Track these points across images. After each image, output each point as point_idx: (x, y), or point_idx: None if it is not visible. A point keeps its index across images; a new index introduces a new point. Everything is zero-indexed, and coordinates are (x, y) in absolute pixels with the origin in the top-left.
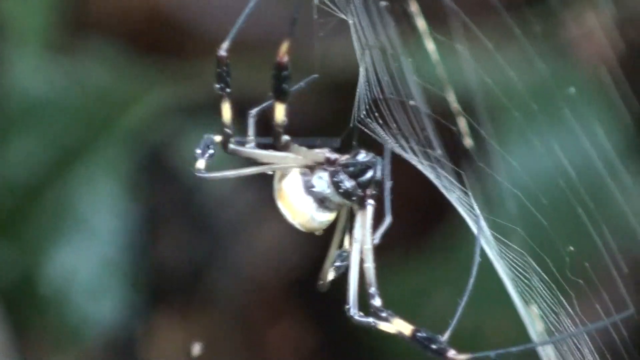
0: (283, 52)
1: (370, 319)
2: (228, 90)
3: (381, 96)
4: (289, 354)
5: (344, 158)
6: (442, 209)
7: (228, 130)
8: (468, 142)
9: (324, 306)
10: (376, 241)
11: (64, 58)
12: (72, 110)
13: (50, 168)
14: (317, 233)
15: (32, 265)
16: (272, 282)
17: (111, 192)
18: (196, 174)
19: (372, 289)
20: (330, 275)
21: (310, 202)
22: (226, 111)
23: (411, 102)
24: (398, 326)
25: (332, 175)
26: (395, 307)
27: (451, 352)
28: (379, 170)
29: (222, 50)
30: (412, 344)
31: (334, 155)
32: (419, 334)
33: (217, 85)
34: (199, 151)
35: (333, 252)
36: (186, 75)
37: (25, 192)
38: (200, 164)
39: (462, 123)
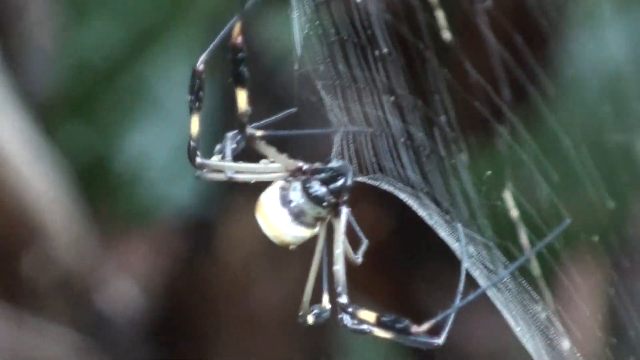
0: (237, 33)
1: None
2: (198, 104)
3: None
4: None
5: (314, 166)
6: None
7: (194, 144)
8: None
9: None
10: (359, 260)
11: None
12: None
13: (126, 49)
14: (290, 248)
15: (107, 146)
16: None
17: (187, 74)
18: (196, 174)
19: (340, 288)
20: (310, 319)
21: (285, 214)
22: (194, 125)
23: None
24: (364, 316)
25: (304, 182)
26: None
27: (414, 328)
28: (350, 178)
29: (199, 64)
30: (380, 330)
31: (305, 164)
32: (383, 319)
33: (189, 98)
34: (218, 147)
35: (312, 278)
36: None
37: (101, 73)
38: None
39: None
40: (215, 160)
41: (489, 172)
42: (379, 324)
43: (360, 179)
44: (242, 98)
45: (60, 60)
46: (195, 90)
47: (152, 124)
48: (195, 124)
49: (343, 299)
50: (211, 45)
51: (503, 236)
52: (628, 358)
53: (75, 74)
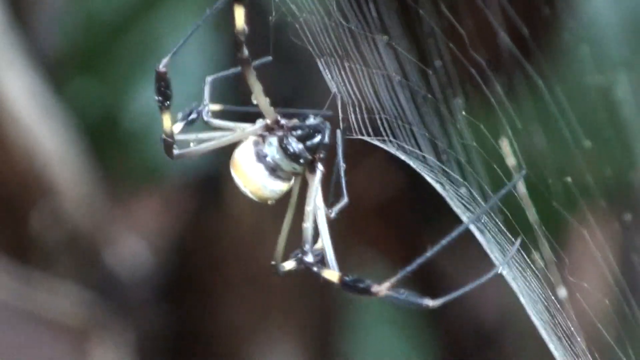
0: (164, 64)
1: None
2: (167, 103)
3: None
4: (376, 192)
5: (292, 122)
6: None
7: (169, 139)
8: None
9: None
10: (333, 215)
11: None
12: None
13: (135, 4)
14: (269, 202)
15: (116, 102)
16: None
17: (197, 30)
18: (174, 151)
19: (307, 246)
20: (289, 264)
21: (261, 169)
22: (166, 121)
23: None
24: (328, 275)
25: (281, 139)
26: None
27: (374, 287)
28: (327, 135)
29: (162, 66)
30: (343, 288)
31: (283, 119)
32: (345, 278)
33: (157, 98)
34: (180, 115)
35: (285, 228)
36: None
37: (110, 29)
38: (177, 127)
39: None
40: (191, 147)
41: (483, 119)
42: (342, 283)
43: (365, 138)
44: (239, 15)
45: (70, 16)
46: (162, 90)
47: None
48: (167, 121)
49: (309, 257)
50: (175, 48)
51: (499, 182)
52: (625, 307)
53: (84, 30)
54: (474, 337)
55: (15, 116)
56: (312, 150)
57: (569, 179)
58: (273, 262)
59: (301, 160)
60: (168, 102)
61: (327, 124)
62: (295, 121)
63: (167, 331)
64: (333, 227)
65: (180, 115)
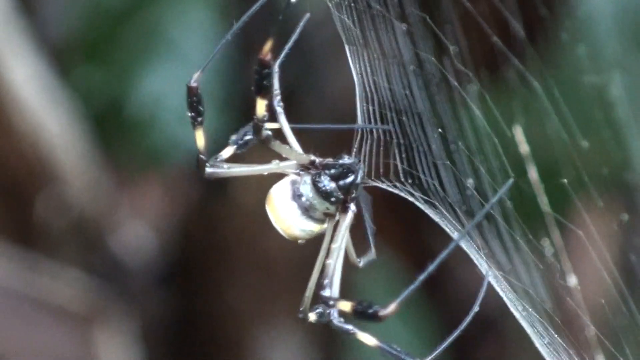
0: (266, 50)
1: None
2: (200, 119)
3: None
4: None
5: (326, 161)
6: None
7: (203, 157)
8: None
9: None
10: (361, 265)
11: None
12: None
13: None
14: (299, 242)
15: (121, 88)
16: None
17: (202, 16)
18: (206, 170)
19: (326, 281)
20: (312, 317)
21: (294, 208)
22: (199, 138)
23: None
24: (342, 307)
25: (314, 177)
26: None
27: (381, 311)
28: (360, 176)
29: (193, 81)
30: (354, 317)
31: (318, 158)
32: (357, 308)
33: (189, 114)
34: (233, 137)
35: (315, 274)
36: None
37: (116, 16)
38: (228, 152)
39: None
40: (225, 168)
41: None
42: (355, 312)
43: (381, 184)
44: (260, 106)
45: (75, 3)
46: (194, 106)
47: (167, 67)
48: (200, 138)
49: (326, 292)
50: (205, 63)
51: (513, 169)
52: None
53: (90, 17)
54: (474, 322)
55: (21, 102)
56: (345, 189)
57: (564, 180)
58: (302, 308)
59: (332, 199)
60: (200, 118)
61: (361, 165)
62: (329, 160)
63: (171, 316)
64: None
65: (233, 138)
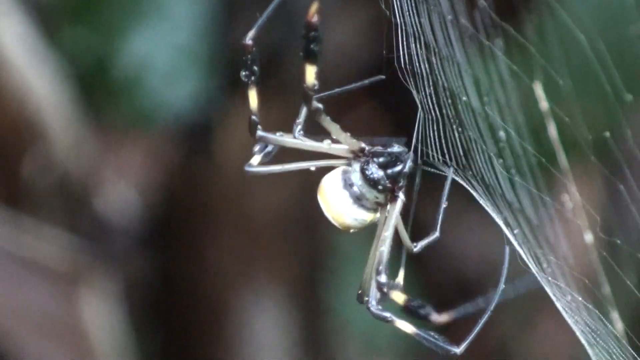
0: (312, 12)
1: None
2: (253, 78)
3: None
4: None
5: (375, 148)
6: None
7: (255, 118)
8: None
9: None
10: (416, 249)
11: None
12: None
13: None
14: (351, 231)
15: (106, 50)
16: (346, 69)
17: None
18: (246, 168)
19: (381, 267)
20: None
21: (346, 197)
22: (253, 98)
23: None
24: (395, 297)
25: (363, 165)
26: None
27: (434, 316)
28: (409, 165)
29: (248, 39)
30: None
31: (367, 146)
32: (411, 303)
33: (243, 73)
34: (256, 148)
35: (371, 261)
36: None
37: None
38: (255, 160)
39: None
40: (277, 135)
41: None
42: (406, 307)
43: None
44: (310, 73)
45: None
46: (249, 64)
47: (153, 28)
48: (253, 98)
49: (382, 278)
50: (259, 21)
51: (533, 126)
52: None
53: None
54: (455, 288)
55: (6, 63)
56: (393, 178)
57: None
58: (360, 292)
59: (380, 187)
60: (254, 78)
61: (410, 154)
62: (378, 148)
63: (154, 276)
64: None
65: (257, 147)
